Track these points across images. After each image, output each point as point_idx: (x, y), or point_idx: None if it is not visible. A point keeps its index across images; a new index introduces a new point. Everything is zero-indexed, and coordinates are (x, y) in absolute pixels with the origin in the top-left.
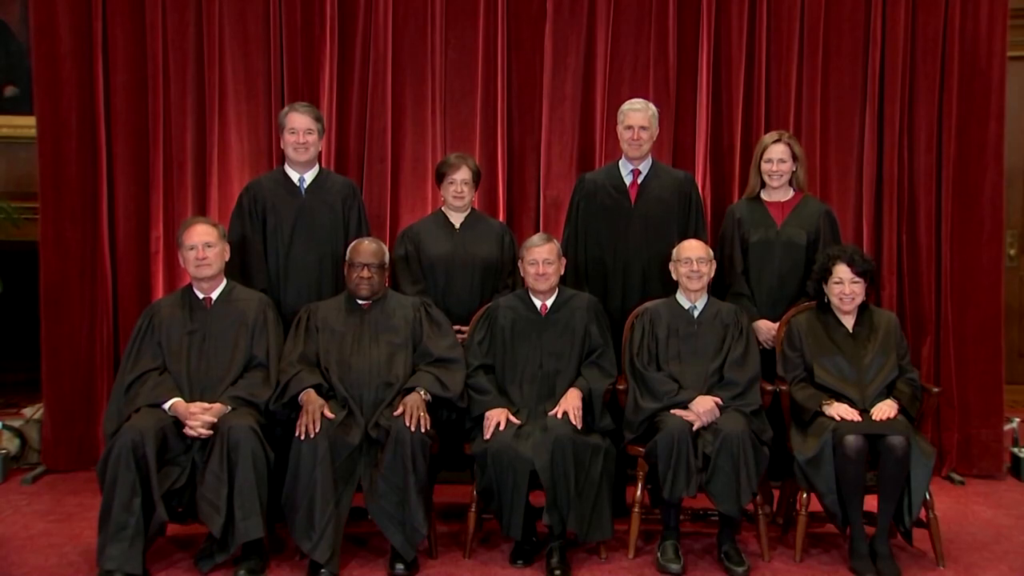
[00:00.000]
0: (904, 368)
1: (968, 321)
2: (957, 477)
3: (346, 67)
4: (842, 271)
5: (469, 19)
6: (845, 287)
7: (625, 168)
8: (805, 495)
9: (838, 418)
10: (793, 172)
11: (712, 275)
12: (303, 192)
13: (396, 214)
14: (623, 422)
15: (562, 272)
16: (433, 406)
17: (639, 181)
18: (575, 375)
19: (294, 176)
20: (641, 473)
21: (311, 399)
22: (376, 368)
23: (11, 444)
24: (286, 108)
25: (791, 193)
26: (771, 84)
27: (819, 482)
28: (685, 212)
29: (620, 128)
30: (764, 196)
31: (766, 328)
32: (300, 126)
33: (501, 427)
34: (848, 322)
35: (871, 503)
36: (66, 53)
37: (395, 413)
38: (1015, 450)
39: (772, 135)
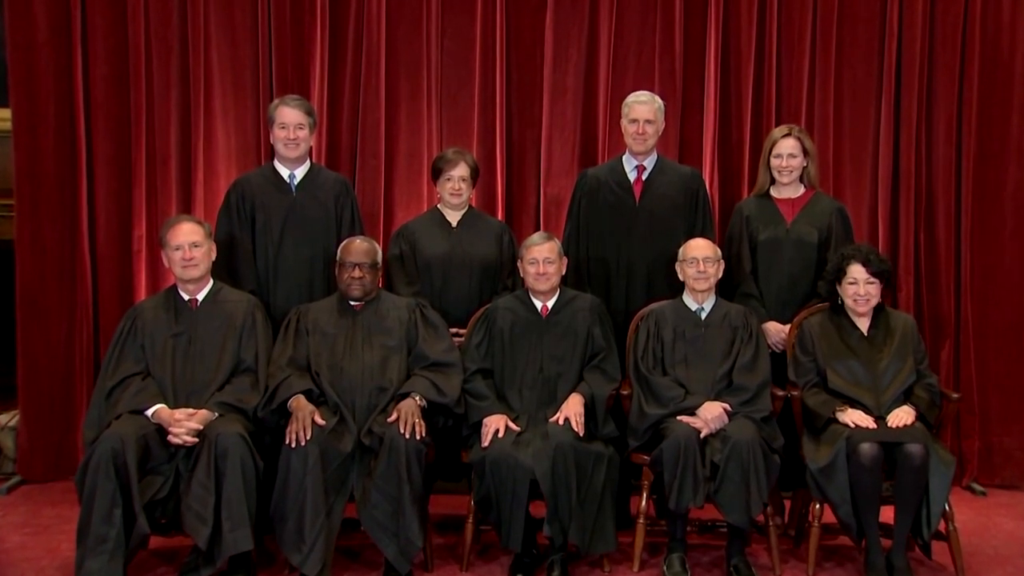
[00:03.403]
0: (922, 373)
1: (989, 323)
2: (978, 487)
3: (338, 58)
4: (856, 271)
5: (466, 8)
6: (860, 288)
7: (629, 164)
8: (818, 506)
9: (852, 425)
10: (804, 168)
11: (720, 275)
12: (293, 189)
13: (390, 212)
14: (627, 429)
15: (563, 272)
16: (429, 412)
17: (644, 177)
18: (577, 380)
19: (284, 172)
20: (646, 482)
21: (301, 405)
22: (369, 372)
23: None
24: (276, 101)
25: (801, 190)
26: (782, 76)
27: (833, 492)
28: (692, 210)
29: (624, 122)
30: (774, 193)
31: (775, 330)
32: (291, 121)
33: (500, 434)
34: (863, 325)
35: (887, 514)
36: (43, 42)
37: (389, 419)
38: None
39: (782, 129)
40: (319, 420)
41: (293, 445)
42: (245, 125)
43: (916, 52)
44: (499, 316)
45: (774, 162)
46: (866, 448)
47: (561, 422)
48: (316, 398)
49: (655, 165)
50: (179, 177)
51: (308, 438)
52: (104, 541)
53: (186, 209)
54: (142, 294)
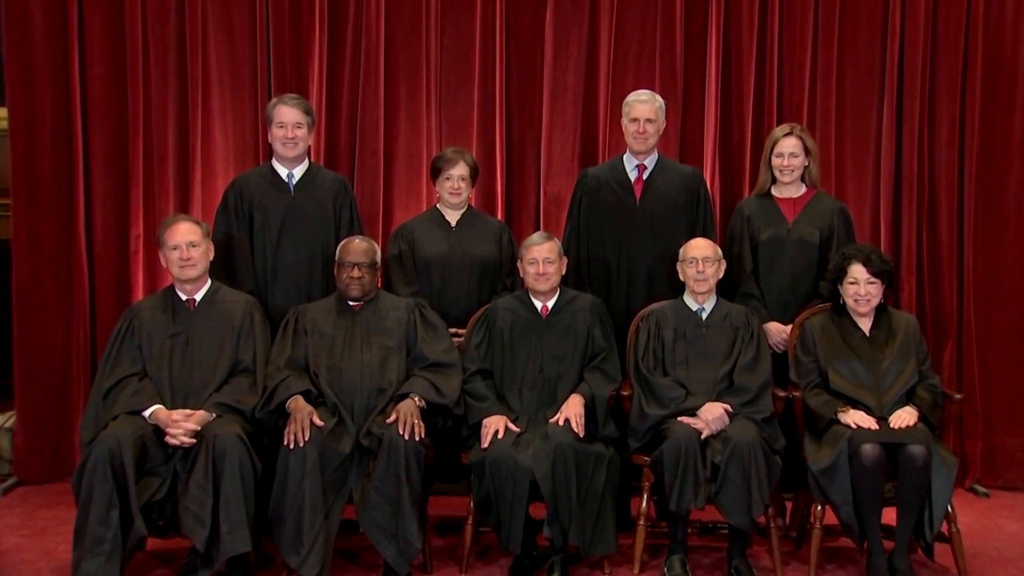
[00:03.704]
0: (924, 374)
1: (992, 324)
2: (981, 489)
3: (336, 57)
4: (857, 271)
5: (466, 6)
6: (860, 288)
7: (630, 163)
8: (820, 507)
9: (854, 426)
10: (805, 167)
11: (721, 275)
12: (292, 188)
13: (389, 211)
14: (628, 430)
15: (563, 272)
16: (428, 413)
17: (644, 177)
18: (577, 380)
19: (282, 172)
20: (647, 484)
21: (299, 406)
22: (368, 373)
23: None
24: (274, 100)
25: (803, 189)
26: (784, 74)
27: (834, 493)
28: (692, 209)
29: (625, 121)
30: (775, 192)
31: (776, 331)
32: (289, 120)
33: (499, 435)
34: (865, 325)
35: (889, 516)
36: (40, 41)
37: (388, 420)
38: None
39: (783, 128)
40: (317, 421)
41: (291, 446)
42: (243, 124)
43: (919, 51)
44: (499, 316)
45: (775, 161)
46: (868, 449)
47: (561, 423)
48: (314, 399)
49: (656, 164)
50: (177, 176)
51: (306, 439)
52: (101, 543)
53: (184, 209)
54: (139, 294)
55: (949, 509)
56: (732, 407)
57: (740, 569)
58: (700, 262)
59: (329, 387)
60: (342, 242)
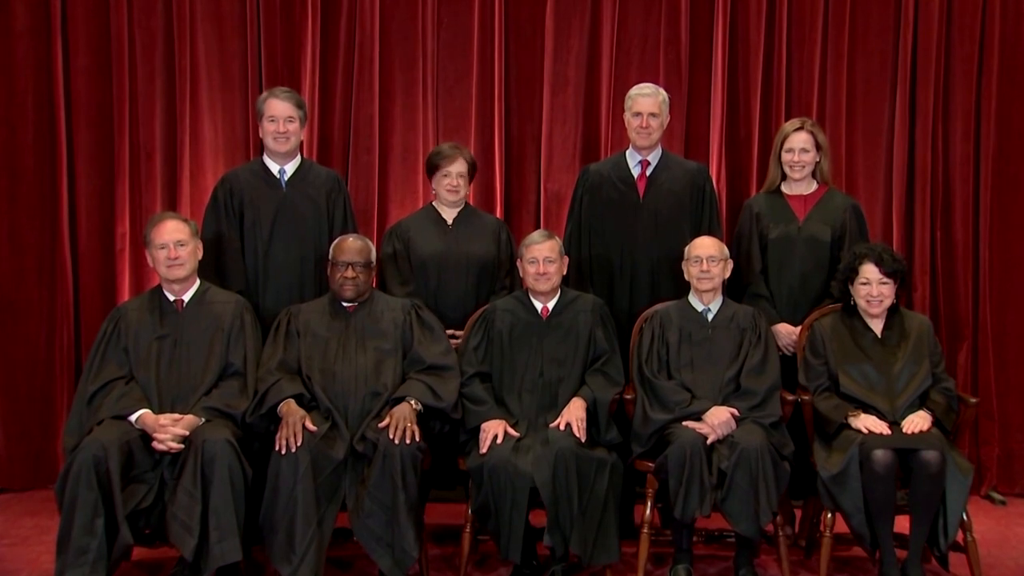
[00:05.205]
0: (938, 377)
1: (1009, 325)
2: (997, 496)
3: (330, 49)
4: (869, 271)
5: None
6: (872, 288)
7: (633, 159)
8: (830, 515)
9: (865, 431)
10: (816, 163)
11: (727, 275)
12: (284, 185)
13: (384, 209)
14: (631, 435)
15: (564, 272)
16: (425, 417)
17: (648, 173)
18: (579, 383)
19: (274, 168)
20: (650, 490)
21: (291, 410)
22: (362, 376)
23: None
24: (264, 94)
25: (814, 186)
26: (792, 67)
27: (845, 501)
28: (698, 207)
29: (627, 115)
30: (785, 189)
31: (786, 332)
32: (280, 114)
33: (498, 440)
34: (876, 326)
35: (902, 524)
36: (22, 31)
37: (380, 424)
38: None
39: (793, 122)
40: (310, 426)
41: (283, 452)
42: (233, 118)
43: (932, 41)
44: (498, 318)
45: (785, 157)
46: (880, 455)
47: (562, 427)
48: (307, 403)
49: (659, 160)
50: (164, 172)
51: (299, 444)
52: (85, 552)
53: (171, 206)
54: (126, 295)
55: (964, 517)
56: (739, 411)
57: None
58: (705, 261)
59: (322, 391)
60: (335, 241)
